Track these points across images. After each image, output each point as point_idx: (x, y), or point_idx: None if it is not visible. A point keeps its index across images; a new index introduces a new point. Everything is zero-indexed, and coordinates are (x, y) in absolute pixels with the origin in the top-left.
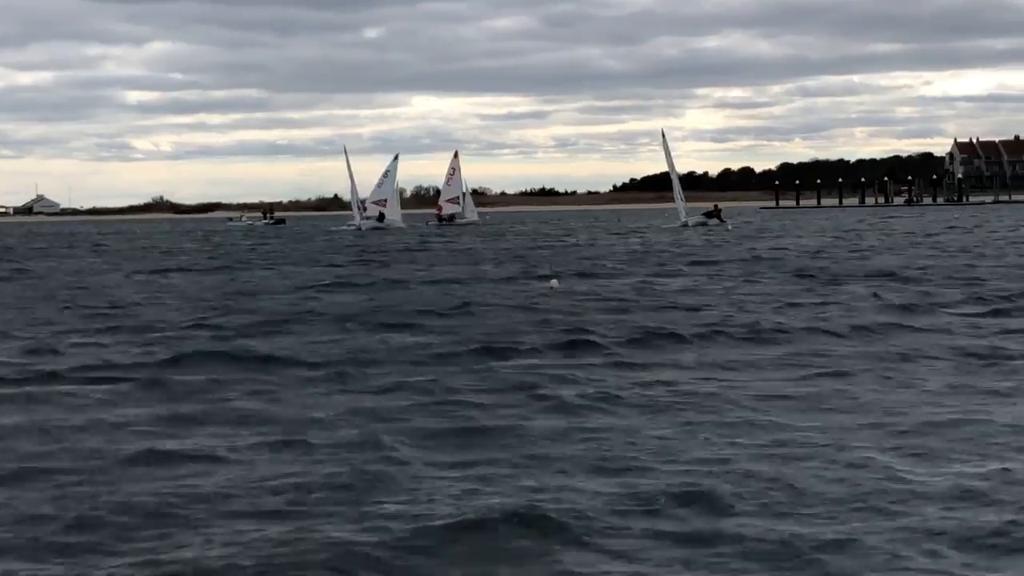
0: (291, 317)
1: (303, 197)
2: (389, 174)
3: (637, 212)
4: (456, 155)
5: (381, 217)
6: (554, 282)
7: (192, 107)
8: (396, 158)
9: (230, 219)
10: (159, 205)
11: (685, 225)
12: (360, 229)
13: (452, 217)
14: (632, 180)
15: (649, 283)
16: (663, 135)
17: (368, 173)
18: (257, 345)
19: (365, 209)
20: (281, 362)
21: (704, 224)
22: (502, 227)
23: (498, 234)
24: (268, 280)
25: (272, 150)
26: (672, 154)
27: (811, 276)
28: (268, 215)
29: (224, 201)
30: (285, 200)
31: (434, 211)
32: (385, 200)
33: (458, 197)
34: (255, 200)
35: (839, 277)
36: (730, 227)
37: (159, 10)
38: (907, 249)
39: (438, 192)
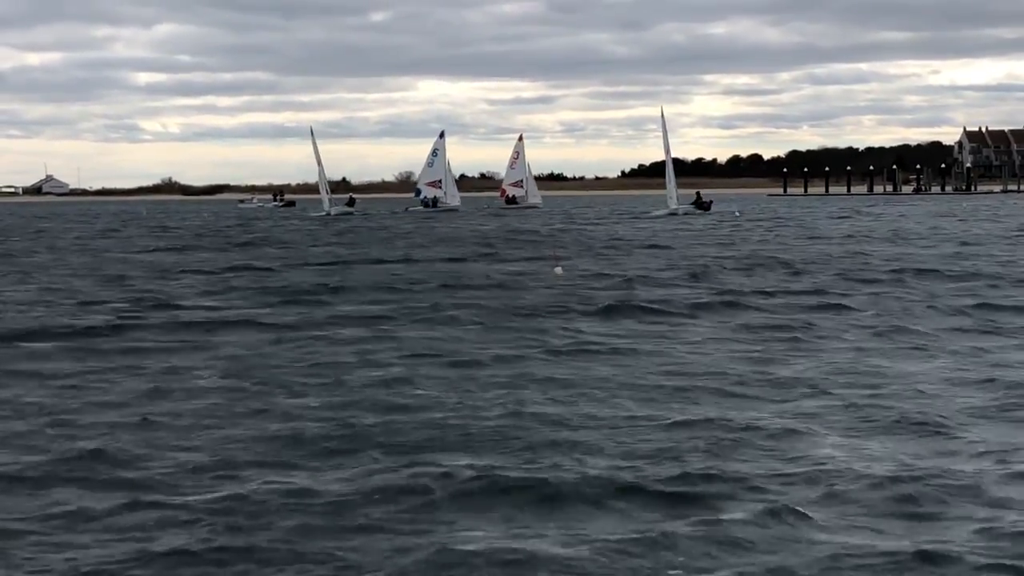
0: None
1: (311, 179)
2: (438, 152)
3: (642, 198)
4: (520, 138)
5: (351, 202)
6: (558, 269)
7: (200, 89)
8: (442, 135)
9: (241, 201)
10: (168, 187)
11: (674, 213)
12: (328, 215)
13: (515, 199)
14: (640, 166)
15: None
16: (662, 115)
17: (376, 156)
18: None
19: (419, 193)
20: None
21: (693, 212)
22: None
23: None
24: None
25: (280, 132)
26: (677, 140)
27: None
28: (279, 197)
29: (232, 183)
30: (294, 183)
31: (498, 194)
32: (439, 180)
33: (522, 180)
34: (264, 182)
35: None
36: (738, 213)
37: None
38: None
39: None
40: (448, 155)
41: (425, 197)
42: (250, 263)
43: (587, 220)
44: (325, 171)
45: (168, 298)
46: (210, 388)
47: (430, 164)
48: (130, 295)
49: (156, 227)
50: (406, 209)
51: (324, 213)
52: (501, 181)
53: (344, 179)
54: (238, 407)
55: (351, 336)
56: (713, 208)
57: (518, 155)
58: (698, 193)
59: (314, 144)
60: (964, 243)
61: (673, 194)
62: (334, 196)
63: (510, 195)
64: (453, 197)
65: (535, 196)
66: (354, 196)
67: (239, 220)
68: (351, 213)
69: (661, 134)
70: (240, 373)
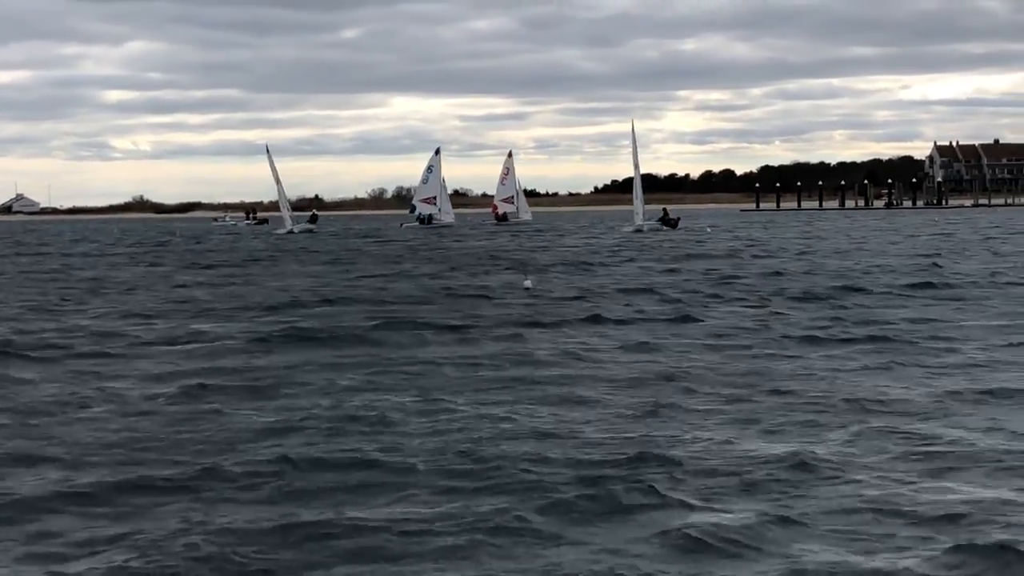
0: None
1: None
2: (433, 169)
3: (615, 213)
4: (510, 155)
5: (313, 219)
6: (528, 282)
7: (171, 107)
8: (437, 152)
9: (215, 219)
10: (139, 205)
11: (639, 230)
12: (292, 232)
13: (506, 216)
14: (613, 182)
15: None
16: (632, 129)
17: (349, 173)
18: None
19: (414, 209)
20: None
21: (660, 230)
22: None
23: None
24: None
25: (252, 150)
26: (650, 156)
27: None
28: (251, 215)
29: (204, 201)
30: (266, 200)
31: (490, 210)
32: (434, 197)
33: (512, 197)
34: (235, 200)
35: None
36: (708, 230)
37: (137, 10)
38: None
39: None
40: (418, 171)
41: (420, 214)
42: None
43: (556, 234)
44: (292, 189)
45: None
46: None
47: (425, 181)
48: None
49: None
50: (401, 225)
51: (287, 231)
52: (482, 197)
53: (317, 196)
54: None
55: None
56: (681, 224)
57: (508, 171)
58: (664, 210)
59: (271, 162)
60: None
61: (640, 210)
62: (296, 214)
63: (501, 212)
64: (447, 214)
65: (526, 212)
66: (316, 213)
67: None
68: (312, 230)
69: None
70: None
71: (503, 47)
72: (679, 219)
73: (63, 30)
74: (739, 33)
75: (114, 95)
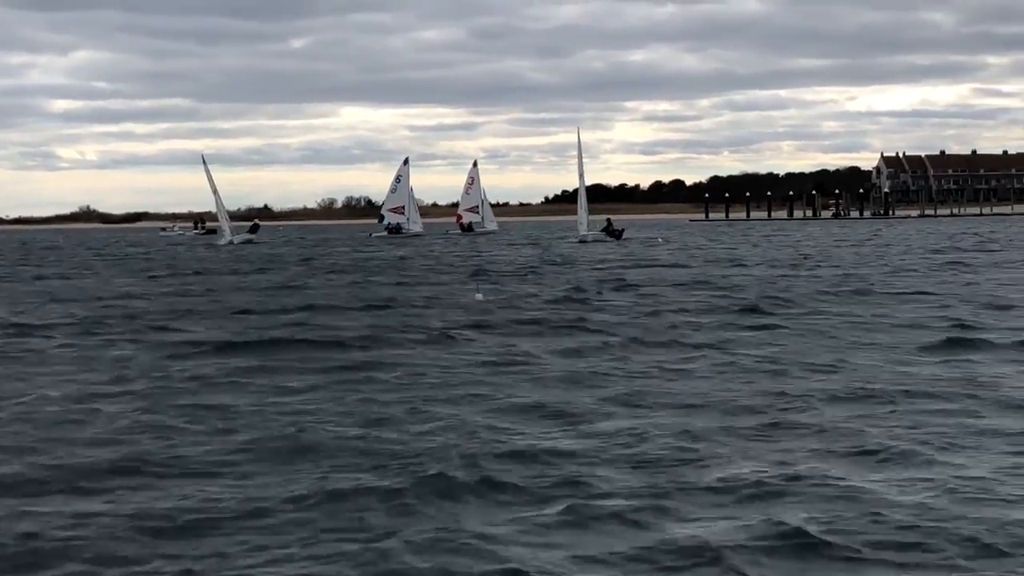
0: None
1: (232, 207)
2: (401, 179)
3: (569, 223)
4: (475, 165)
5: (254, 229)
6: (479, 295)
7: (118, 116)
8: (406, 162)
9: (163, 229)
10: (86, 215)
11: (584, 241)
12: (232, 243)
13: (471, 226)
14: (564, 192)
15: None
16: (578, 138)
17: (298, 182)
18: None
19: (383, 219)
20: None
21: (604, 240)
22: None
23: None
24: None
25: (200, 160)
26: (600, 166)
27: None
28: (199, 224)
29: (152, 211)
30: (214, 210)
31: (454, 219)
32: (402, 207)
33: (477, 206)
34: (184, 210)
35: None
36: (660, 240)
37: (83, 19)
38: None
39: (369, 203)
40: (371, 180)
41: (389, 223)
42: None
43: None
44: (241, 199)
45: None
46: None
47: (393, 190)
48: None
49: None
50: (370, 235)
51: (227, 241)
52: (432, 207)
53: (265, 206)
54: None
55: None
56: (626, 235)
57: (473, 181)
58: (608, 220)
59: (207, 171)
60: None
61: (584, 220)
62: (237, 224)
63: (466, 221)
64: (416, 223)
65: (491, 222)
66: (258, 223)
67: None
68: (253, 240)
69: (588, 160)
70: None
71: (452, 57)
72: (623, 230)
73: (9, 39)
74: (687, 44)
75: (60, 104)
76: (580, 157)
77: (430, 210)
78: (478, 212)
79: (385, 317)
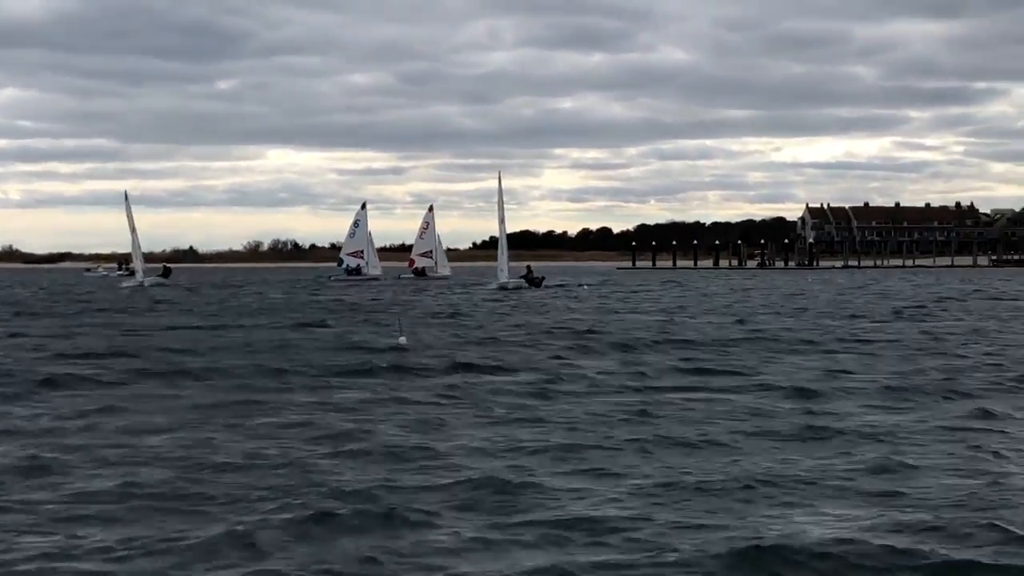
0: None
1: (157, 248)
2: (360, 223)
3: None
4: (431, 209)
5: (166, 272)
6: (402, 339)
7: (42, 155)
8: (364, 206)
9: (87, 269)
10: (8, 254)
11: (504, 287)
12: (143, 285)
13: (423, 271)
14: (492, 238)
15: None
16: (499, 181)
17: (223, 225)
18: None
19: (342, 262)
20: None
21: (523, 287)
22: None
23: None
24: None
25: (123, 200)
26: (528, 213)
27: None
28: (123, 266)
29: (75, 251)
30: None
31: (407, 264)
32: (361, 251)
33: (431, 251)
34: (108, 251)
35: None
36: (585, 288)
37: (9, 57)
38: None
39: (296, 246)
40: (297, 223)
41: (348, 266)
42: None
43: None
44: (165, 241)
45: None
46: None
47: (352, 235)
48: None
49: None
50: (330, 278)
51: (138, 283)
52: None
53: (191, 247)
54: None
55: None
56: (546, 283)
57: (427, 225)
58: (528, 267)
59: (128, 210)
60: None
61: (504, 267)
62: (149, 266)
63: (420, 266)
64: (375, 267)
65: (444, 267)
66: (168, 266)
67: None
68: (164, 283)
69: (515, 207)
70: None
71: (380, 101)
72: (543, 278)
73: None
74: (615, 93)
75: None
76: (501, 202)
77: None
78: (431, 257)
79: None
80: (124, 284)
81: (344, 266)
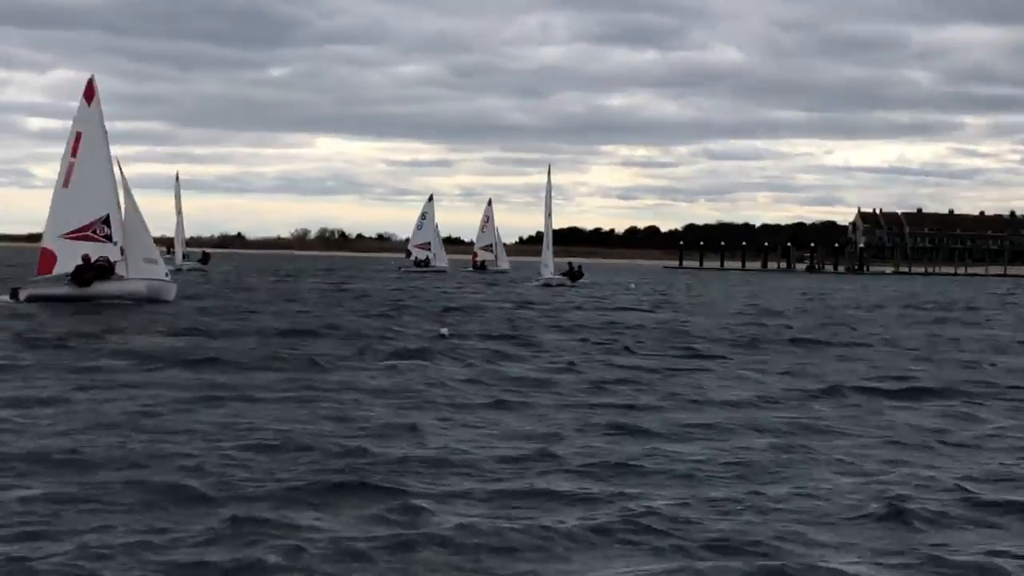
0: None
1: (206, 234)
2: (427, 216)
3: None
4: (490, 203)
5: (205, 258)
6: (444, 330)
7: None
8: (431, 199)
9: None
10: None
11: (548, 284)
12: (180, 270)
13: (484, 264)
14: (539, 233)
15: None
16: (548, 175)
17: (272, 212)
18: None
19: (410, 254)
20: None
21: (565, 284)
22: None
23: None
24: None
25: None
26: (575, 209)
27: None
28: (171, 250)
29: None
30: (188, 236)
31: (469, 259)
32: (428, 243)
33: (491, 245)
34: (157, 234)
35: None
36: (632, 286)
37: (63, 38)
38: None
39: (343, 235)
40: (343, 212)
41: (416, 258)
42: None
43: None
44: (214, 227)
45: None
46: None
47: (419, 227)
48: None
49: None
50: (399, 268)
51: (175, 268)
52: (397, 241)
53: (239, 234)
54: None
55: None
56: (593, 280)
57: (488, 219)
58: (570, 263)
59: (177, 192)
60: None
61: (549, 262)
62: (190, 250)
63: (480, 260)
64: (441, 259)
65: (504, 262)
66: (208, 252)
67: None
68: (204, 270)
69: (563, 202)
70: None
71: (431, 92)
72: (580, 267)
73: None
74: (666, 91)
75: (36, 123)
76: (549, 196)
77: (403, 245)
78: (492, 251)
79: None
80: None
81: (412, 258)
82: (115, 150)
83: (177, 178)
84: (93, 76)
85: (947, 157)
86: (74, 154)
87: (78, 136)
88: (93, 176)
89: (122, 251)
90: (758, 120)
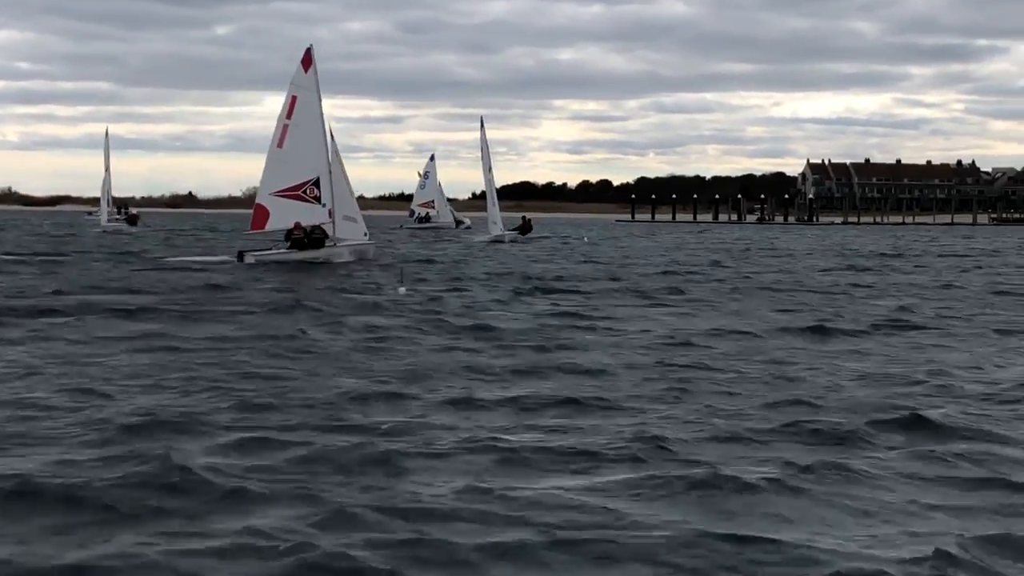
0: None
1: (155, 193)
2: (429, 175)
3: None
4: (432, 159)
5: (132, 219)
6: (402, 289)
7: (40, 97)
8: (432, 158)
9: (88, 213)
10: (8, 196)
11: (499, 240)
12: (105, 232)
13: (427, 218)
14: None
15: None
16: (481, 126)
17: (221, 171)
18: None
19: (414, 213)
20: None
21: (517, 240)
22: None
23: None
24: None
25: (122, 144)
26: (528, 164)
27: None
28: (122, 210)
29: (74, 194)
30: (138, 196)
31: (406, 213)
32: (431, 201)
33: (433, 200)
34: (91, 195)
35: None
36: (586, 239)
37: None
38: None
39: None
40: (422, 174)
41: (418, 215)
42: None
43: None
44: (164, 186)
45: None
46: None
47: (422, 187)
48: None
49: None
50: (401, 226)
51: (100, 230)
52: (366, 199)
53: (190, 193)
54: None
55: None
56: (545, 232)
57: (427, 174)
58: (523, 218)
59: (106, 149)
60: None
61: (497, 218)
62: (111, 210)
63: (421, 214)
64: (445, 216)
65: (447, 216)
66: (134, 212)
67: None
68: (131, 233)
69: (515, 157)
70: None
71: (379, 49)
72: (529, 220)
73: None
74: (615, 45)
75: None
76: (485, 151)
77: (357, 202)
78: (433, 206)
79: None
80: (93, 230)
81: (415, 216)
82: (62, 110)
83: (107, 134)
84: (312, 46)
85: (893, 107)
86: (289, 116)
87: (293, 100)
88: (306, 139)
89: (330, 213)
90: (706, 73)
